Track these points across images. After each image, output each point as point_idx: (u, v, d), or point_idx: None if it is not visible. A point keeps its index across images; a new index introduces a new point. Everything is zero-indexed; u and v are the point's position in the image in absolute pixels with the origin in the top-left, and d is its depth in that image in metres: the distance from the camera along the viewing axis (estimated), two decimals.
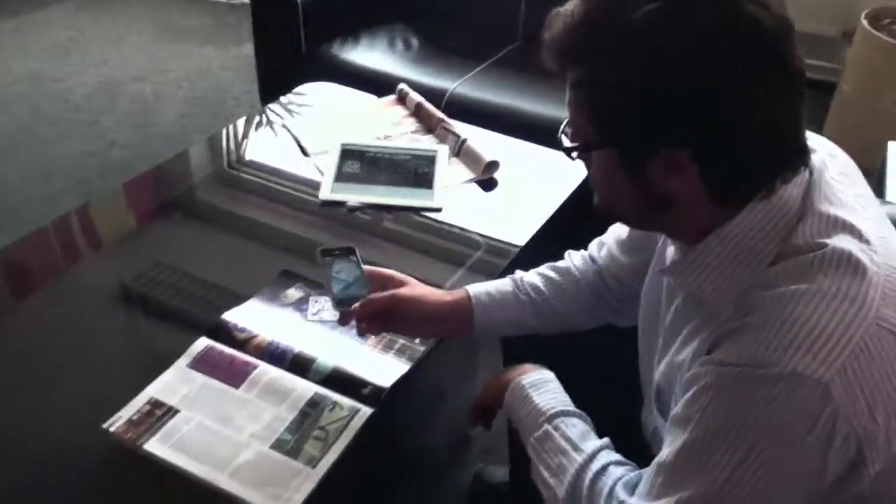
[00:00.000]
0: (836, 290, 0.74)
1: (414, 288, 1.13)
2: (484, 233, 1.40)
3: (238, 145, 1.73)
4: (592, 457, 0.90)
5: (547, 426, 0.95)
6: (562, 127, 0.88)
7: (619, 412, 1.03)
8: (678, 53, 0.74)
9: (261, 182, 1.55)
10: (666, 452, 0.80)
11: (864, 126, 2.51)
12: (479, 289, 1.16)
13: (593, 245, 1.22)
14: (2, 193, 2.57)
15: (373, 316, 1.09)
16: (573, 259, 1.21)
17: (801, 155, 0.80)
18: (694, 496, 0.76)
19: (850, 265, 0.75)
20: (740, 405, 0.75)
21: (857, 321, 0.73)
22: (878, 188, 1.65)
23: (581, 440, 0.92)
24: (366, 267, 1.14)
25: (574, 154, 0.88)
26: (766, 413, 0.73)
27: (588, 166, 0.89)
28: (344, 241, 1.17)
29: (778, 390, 0.72)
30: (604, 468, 0.88)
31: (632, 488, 0.85)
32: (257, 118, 1.77)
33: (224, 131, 1.79)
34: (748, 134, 0.77)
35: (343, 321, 1.11)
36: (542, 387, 1.00)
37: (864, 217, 0.81)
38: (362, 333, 1.10)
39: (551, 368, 1.05)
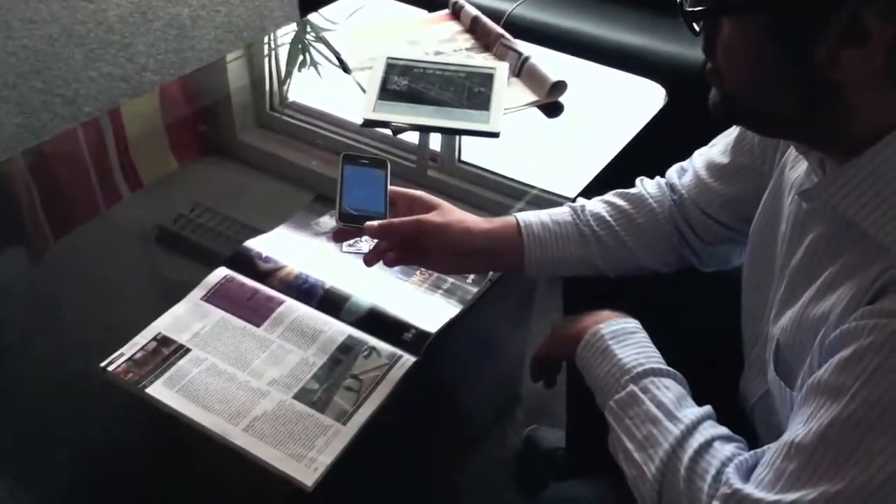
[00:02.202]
0: None
1: (445, 213, 0.93)
2: (540, 171, 1.21)
3: (276, 65, 1.55)
4: (693, 428, 0.71)
5: (633, 387, 0.76)
6: None
7: (707, 376, 0.84)
8: None
9: (298, 118, 1.37)
10: (802, 431, 0.61)
11: None
12: (530, 218, 0.97)
13: (672, 171, 1.02)
14: (25, 116, 2.44)
15: (391, 242, 0.91)
16: (646, 186, 1.01)
17: None
18: (847, 491, 0.58)
19: None
20: None
21: None
22: None
23: (677, 407, 0.74)
24: (392, 188, 0.95)
25: (701, 24, 0.67)
26: None
27: (714, 45, 0.68)
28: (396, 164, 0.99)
29: None
30: (708, 444, 0.70)
31: (746, 473, 0.66)
32: (296, 32, 1.59)
33: (263, 45, 1.61)
34: None
35: (337, 237, 0.93)
36: (626, 339, 0.81)
37: None
38: (369, 261, 0.91)
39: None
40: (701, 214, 0.97)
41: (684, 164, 1.02)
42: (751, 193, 0.89)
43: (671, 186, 1.01)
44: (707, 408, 0.75)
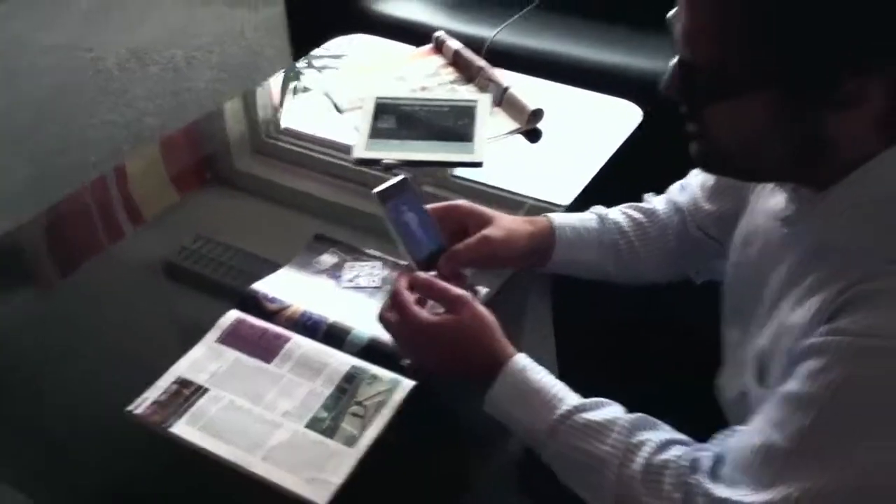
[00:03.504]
0: None
1: (501, 224, 0.99)
2: (529, 188, 1.29)
3: (272, 105, 1.64)
4: (632, 432, 0.79)
5: (554, 442, 0.82)
6: (668, 74, 0.72)
7: (681, 373, 0.92)
8: None
9: (295, 149, 1.45)
10: (778, 436, 0.68)
11: None
12: (563, 220, 1.04)
13: (674, 188, 1.09)
14: (31, 167, 2.53)
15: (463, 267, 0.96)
16: (656, 202, 1.08)
17: None
18: (823, 488, 0.65)
19: None
20: (886, 385, 0.63)
21: None
22: None
23: (607, 427, 0.80)
24: (429, 206, 0.98)
25: (694, 105, 0.71)
26: None
27: (708, 118, 0.71)
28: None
29: None
30: (663, 446, 0.77)
31: (711, 473, 0.73)
32: (289, 73, 1.68)
33: (258, 90, 1.70)
34: None
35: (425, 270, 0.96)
36: (521, 396, 0.85)
37: None
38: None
39: (606, 325, 0.94)
40: (698, 231, 1.05)
41: (685, 181, 1.09)
42: (735, 211, 0.96)
43: (674, 203, 1.08)
44: (638, 415, 0.81)
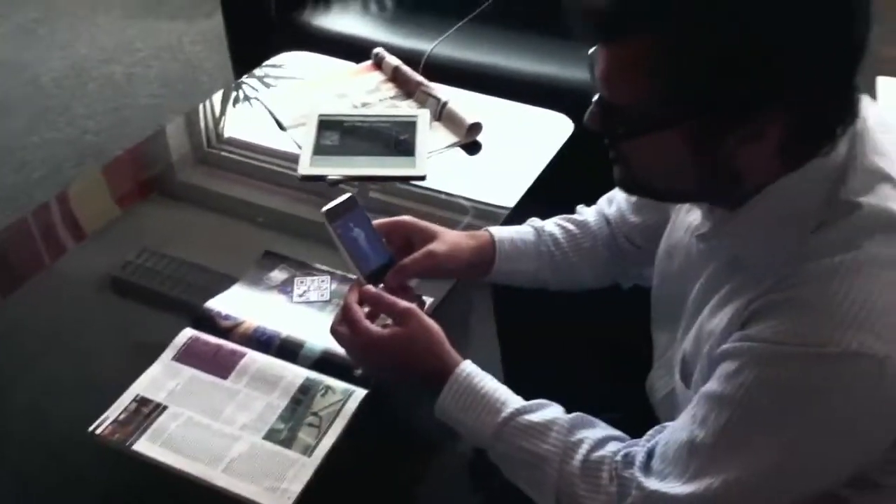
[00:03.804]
0: (885, 257, 0.70)
1: (445, 239, 1.04)
2: (471, 197, 1.36)
3: (215, 122, 1.67)
4: (570, 431, 0.85)
5: (499, 443, 0.88)
6: (590, 109, 0.79)
7: (615, 374, 0.99)
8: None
9: (240, 160, 1.49)
10: (701, 432, 0.75)
11: None
12: (503, 234, 1.10)
13: (603, 201, 1.17)
14: None
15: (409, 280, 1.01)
16: (588, 213, 1.16)
17: (857, 101, 0.74)
18: (740, 478, 0.72)
19: (894, 226, 0.71)
20: (791, 386, 0.71)
21: None
22: None
23: (548, 427, 0.87)
24: (375, 222, 1.02)
25: (613, 138, 0.78)
26: (821, 394, 0.70)
27: (627, 149, 0.79)
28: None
29: (834, 369, 0.69)
30: (600, 443, 0.84)
31: (645, 467, 0.80)
32: (232, 92, 1.71)
33: (200, 108, 1.72)
34: (842, 82, 0.71)
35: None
36: (468, 403, 0.90)
37: None
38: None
39: (547, 329, 1.01)
40: (625, 241, 1.12)
41: (611, 194, 1.16)
42: (659, 223, 1.03)
43: (603, 215, 1.15)
44: (576, 414, 0.88)
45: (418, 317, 0.94)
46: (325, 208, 0.99)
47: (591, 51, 0.77)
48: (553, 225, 1.14)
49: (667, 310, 0.97)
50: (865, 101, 0.78)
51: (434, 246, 1.03)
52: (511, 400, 0.90)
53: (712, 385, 0.76)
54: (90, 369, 1.09)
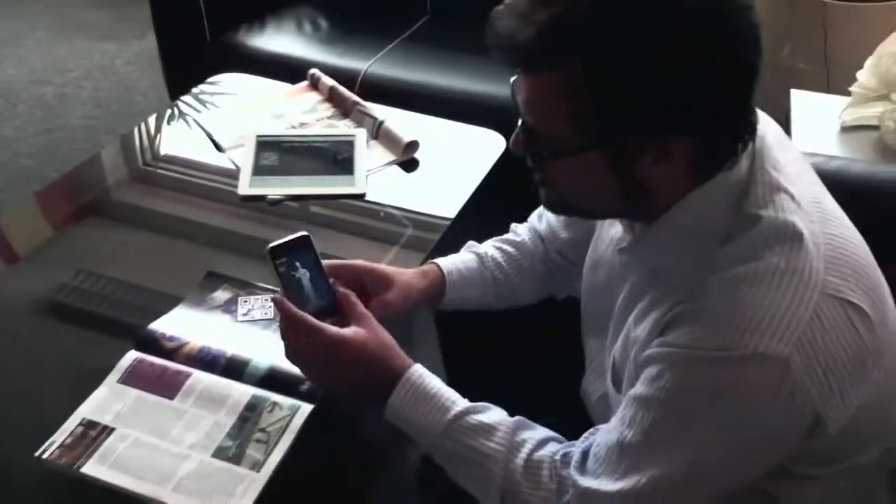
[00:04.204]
0: (784, 267, 0.76)
1: (398, 286, 1.07)
2: (412, 209, 1.40)
3: (151, 144, 1.68)
4: (514, 432, 0.90)
5: (447, 442, 0.92)
6: (515, 133, 0.84)
7: (552, 379, 1.04)
8: (681, 30, 0.72)
9: (178, 180, 1.50)
10: (629, 433, 0.81)
11: (764, 79, 2.57)
12: (450, 265, 1.14)
13: (534, 217, 1.22)
14: None
15: None
16: (521, 232, 1.21)
17: (755, 119, 0.81)
18: (665, 474, 0.78)
19: (793, 237, 0.77)
20: (705, 387, 0.77)
21: (807, 294, 0.75)
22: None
23: (493, 429, 0.91)
24: (327, 262, 1.03)
25: (536, 161, 0.84)
26: (731, 393, 0.76)
27: (550, 171, 0.84)
28: (276, 233, 1.04)
29: (741, 370, 0.75)
30: (541, 444, 0.89)
31: (581, 465, 0.86)
32: (168, 113, 1.72)
33: (136, 130, 1.73)
34: (739, 105, 0.78)
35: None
36: (418, 403, 0.95)
37: (801, 181, 0.83)
38: None
39: (487, 338, 1.05)
40: (558, 255, 1.18)
41: (540, 210, 1.21)
42: (586, 236, 1.09)
43: (536, 231, 1.20)
44: (518, 418, 0.93)
45: (373, 321, 0.98)
46: (270, 245, 1.00)
47: (512, 79, 0.82)
48: (492, 248, 1.19)
49: (596, 319, 1.03)
50: (764, 119, 0.85)
51: (389, 297, 1.06)
52: (459, 401, 0.94)
53: (638, 388, 0.82)
54: (32, 395, 1.09)
